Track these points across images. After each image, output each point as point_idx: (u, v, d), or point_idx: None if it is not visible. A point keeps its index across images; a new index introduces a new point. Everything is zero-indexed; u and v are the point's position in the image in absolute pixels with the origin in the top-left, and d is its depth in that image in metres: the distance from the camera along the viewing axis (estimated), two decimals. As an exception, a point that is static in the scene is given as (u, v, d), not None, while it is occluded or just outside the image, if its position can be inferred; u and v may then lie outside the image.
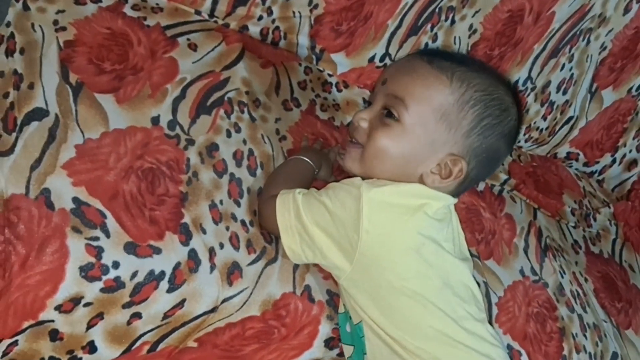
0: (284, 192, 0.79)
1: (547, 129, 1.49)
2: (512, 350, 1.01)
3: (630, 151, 1.64)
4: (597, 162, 1.63)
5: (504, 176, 1.34)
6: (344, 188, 0.75)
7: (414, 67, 0.79)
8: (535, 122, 1.47)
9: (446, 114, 0.76)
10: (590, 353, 1.12)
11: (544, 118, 1.47)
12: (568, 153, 1.58)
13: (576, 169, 1.63)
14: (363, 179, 0.77)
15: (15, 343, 0.69)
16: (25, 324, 0.68)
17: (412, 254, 0.73)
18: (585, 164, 1.62)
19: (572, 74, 1.43)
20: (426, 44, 1.26)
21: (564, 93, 1.45)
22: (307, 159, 0.90)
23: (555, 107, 1.46)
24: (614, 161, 1.63)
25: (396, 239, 0.73)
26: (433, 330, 0.73)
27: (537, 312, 1.08)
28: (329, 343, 0.86)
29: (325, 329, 0.85)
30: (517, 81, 1.37)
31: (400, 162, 0.78)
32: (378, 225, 0.71)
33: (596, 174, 1.65)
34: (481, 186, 1.27)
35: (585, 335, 1.13)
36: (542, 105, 1.44)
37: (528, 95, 1.41)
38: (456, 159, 0.77)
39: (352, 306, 0.78)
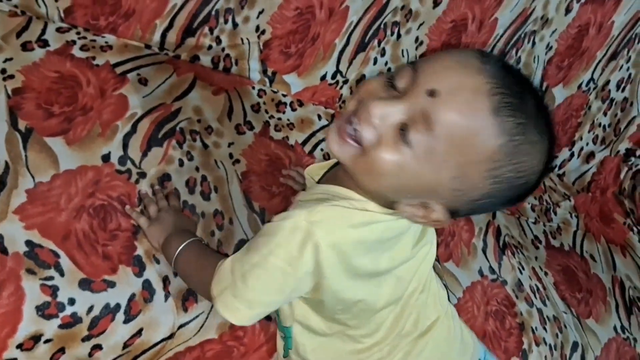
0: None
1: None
2: (473, 349, 1.05)
3: (587, 144, 1.68)
4: (556, 157, 1.68)
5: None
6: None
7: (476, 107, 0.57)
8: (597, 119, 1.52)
9: (464, 176, 0.60)
10: (550, 345, 1.16)
11: (605, 114, 1.52)
12: (527, 150, 1.63)
13: (537, 165, 1.67)
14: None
15: (-16, 384, 0.73)
16: (-10, 364, 0.72)
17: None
18: (545, 160, 1.67)
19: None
20: (375, 59, 1.30)
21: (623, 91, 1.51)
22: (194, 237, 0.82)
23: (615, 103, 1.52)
24: (572, 155, 1.68)
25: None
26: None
27: (495, 310, 1.12)
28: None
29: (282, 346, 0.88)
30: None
31: (386, 189, 0.64)
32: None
33: (556, 169, 1.70)
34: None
35: (545, 328, 1.17)
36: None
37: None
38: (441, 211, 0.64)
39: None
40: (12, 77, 0.88)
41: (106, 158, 0.88)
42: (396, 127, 0.59)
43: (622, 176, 1.75)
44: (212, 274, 0.69)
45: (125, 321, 0.77)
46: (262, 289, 0.66)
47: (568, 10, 1.45)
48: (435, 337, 0.80)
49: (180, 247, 0.78)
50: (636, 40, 1.56)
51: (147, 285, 0.80)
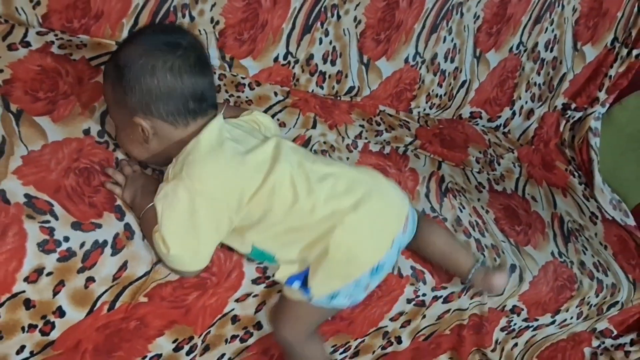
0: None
1: (445, 94, 1.71)
2: (416, 270, 1.21)
3: (526, 102, 1.86)
4: (499, 117, 1.85)
5: (408, 139, 1.55)
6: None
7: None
8: (433, 90, 1.69)
9: (116, 100, 0.97)
10: (489, 267, 1.33)
11: (440, 85, 1.69)
12: (471, 113, 1.80)
13: (482, 126, 1.85)
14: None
15: (-2, 317, 0.89)
16: (3, 298, 0.88)
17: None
18: (489, 120, 1.85)
19: (455, 44, 1.66)
20: (320, 39, 1.47)
21: (452, 61, 1.68)
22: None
23: (447, 74, 1.68)
24: (514, 113, 1.86)
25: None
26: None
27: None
28: (256, 281, 1.07)
29: (249, 271, 1.06)
30: (406, 58, 1.59)
31: (131, 148, 1.02)
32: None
33: (501, 127, 1.87)
34: (387, 149, 1.49)
35: (483, 254, 1.34)
36: (434, 74, 1.67)
37: (420, 68, 1.63)
38: (137, 122, 0.94)
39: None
40: (1, 71, 1.05)
41: (87, 132, 1.05)
42: None
43: (561, 128, 1.93)
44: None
45: (112, 254, 0.94)
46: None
47: (489, -19, 1.64)
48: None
49: (144, 210, 0.97)
50: (556, 4, 1.74)
51: (128, 227, 0.97)
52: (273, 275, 1.05)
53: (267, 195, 0.94)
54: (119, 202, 0.99)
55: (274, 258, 1.01)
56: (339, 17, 1.48)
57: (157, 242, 0.93)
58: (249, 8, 1.36)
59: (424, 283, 1.22)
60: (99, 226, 0.94)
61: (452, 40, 1.65)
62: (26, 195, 0.91)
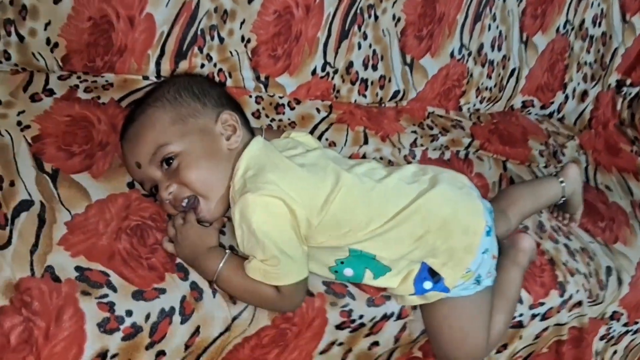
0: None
1: (495, 86, 1.58)
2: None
3: (578, 84, 1.72)
4: (552, 103, 1.71)
5: (466, 140, 1.42)
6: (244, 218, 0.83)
7: (131, 134, 0.90)
8: (482, 83, 1.55)
9: (181, 116, 0.90)
10: (584, 273, 1.20)
11: (489, 77, 1.56)
12: (523, 102, 1.67)
13: (536, 114, 1.71)
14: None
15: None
16: (66, 389, 0.76)
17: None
18: (542, 107, 1.71)
19: (500, 31, 1.53)
20: (359, 44, 1.35)
21: (499, 50, 1.55)
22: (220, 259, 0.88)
23: (495, 64, 1.55)
24: (566, 97, 1.72)
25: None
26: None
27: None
28: (341, 326, 0.94)
29: (333, 316, 0.93)
30: (452, 52, 1.46)
31: (212, 167, 0.89)
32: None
33: (555, 114, 1.74)
34: (447, 154, 1.36)
35: (575, 260, 1.21)
36: (482, 66, 1.54)
37: (467, 61, 1.50)
38: (218, 118, 0.92)
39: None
40: (28, 127, 0.94)
41: (131, 185, 0.93)
42: (167, 175, 0.88)
43: (619, 107, 1.79)
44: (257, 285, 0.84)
45: (182, 322, 0.82)
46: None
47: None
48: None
49: (216, 273, 0.85)
50: (598, -22, 1.61)
51: (195, 286, 0.85)
52: (394, 299, 0.98)
53: (345, 194, 0.88)
54: (179, 259, 0.87)
55: (375, 258, 0.91)
56: (376, 17, 1.35)
57: (259, 269, 0.83)
58: (280, 20, 1.24)
59: (520, 302, 1.09)
60: (163, 291, 0.82)
61: (497, 28, 1.52)
62: (77, 268, 0.79)
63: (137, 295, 0.80)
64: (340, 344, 0.97)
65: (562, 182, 1.24)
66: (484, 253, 0.95)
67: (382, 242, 0.90)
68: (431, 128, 1.43)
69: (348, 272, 0.92)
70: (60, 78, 1.07)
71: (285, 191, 0.82)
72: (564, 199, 1.25)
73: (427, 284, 0.93)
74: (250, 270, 0.83)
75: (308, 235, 0.86)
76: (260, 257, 0.82)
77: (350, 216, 0.88)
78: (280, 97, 1.31)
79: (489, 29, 1.50)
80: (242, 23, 1.20)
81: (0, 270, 0.75)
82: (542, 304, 1.12)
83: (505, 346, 1.16)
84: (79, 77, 1.09)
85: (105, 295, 0.78)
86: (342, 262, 0.90)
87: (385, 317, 0.98)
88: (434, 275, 0.93)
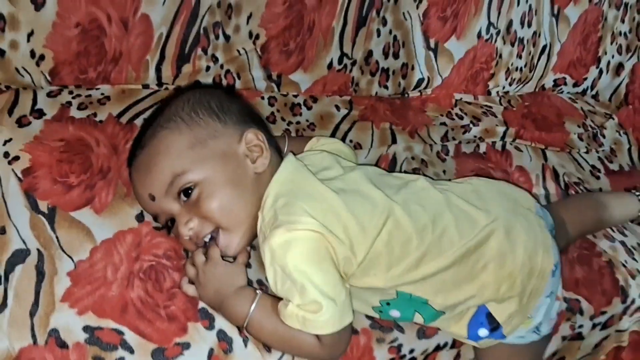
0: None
1: (525, 65, 1.45)
2: (570, 300, 0.97)
3: (613, 56, 1.59)
4: (585, 79, 1.58)
5: (501, 129, 1.30)
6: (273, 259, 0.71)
7: (142, 162, 0.77)
8: (512, 64, 1.42)
9: (199, 139, 0.77)
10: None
11: (519, 56, 1.43)
12: (555, 80, 1.54)
13: (568, 93, 1.58)
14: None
15: None
16: None
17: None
18: (575, 85, 1.58)
19: (530, 5, 1.39)
20: (378, 30, 1.22)
21: (529, 26, 1.41)
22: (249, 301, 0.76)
23: (525, 42, 1.42)
24: (600, 72, 1.59)
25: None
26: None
27: (578, 255, 1.04)
28: (390, 363, 0.83)
29: (380, 354, 0.82)
30: (479, 32, 1.33)
31: (238, 196, 0.76)
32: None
33: (589, 90, 1.61)
34: (482, 147, 1.23)
35: (634, 259, 1.09)
36: (512, 45, 1.40)
37: (495, 41, 1.37)
38: (241, 138, 0.79)
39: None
40: (17, 158, 0.82)
41: (140, 217, 0.81)
42: (186, 209, 0.76)
43: (657, 78, 1.66)
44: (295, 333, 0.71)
45: (212, 381, 0.71)
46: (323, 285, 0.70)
47: None
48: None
49: (247, 318, 0.73)
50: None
51: (223, 336, 0.73)
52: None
53: (394, 229, 0.76)
54: (202, 303, 0.75)
55: (427, 303, 0.78)
56: (395, 0, 1.22)
57: (297, 315, 0.70)
58: (291, 11, 1.11)
59: (581, 314, 0.98)
60: (187, 346, 0.71)
61: (526, 2, 1.38)
62: (86, 329, 0.68)
63: (158, 355, 0.69)
64: (389, 381, 0.86)
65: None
66: (548, 297, 0.83)
67: (435, 287, 0.77)
68: (461, 118, 1.31)
69: (395, 313, 0.80)
70: (49, 95, 0.95)
71: (324, 224, 0.70)
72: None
73: (483, 332, 0.81)
74: (286, 317, 0.71)
75: (349, 274, 0.74)
76: (298, 301, 0.70)
77: (396, 256, 0.75)
78: (295, 96, 1.19)
79: (518, 3, 1.37)
80: (249, 17, 1.07)
81: (-3, 340, 0.64)
82: (603, 312, 1.01)
83: (563, 359, 1.05)
84: (70, 92, 0.97)
85: (122, 359, 0.67)
86: (388, 304, 0.78)
87: (438, 348, 0.86)
88: (491, 321, 0.80)
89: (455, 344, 0.88)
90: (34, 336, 0.66)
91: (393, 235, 0.75)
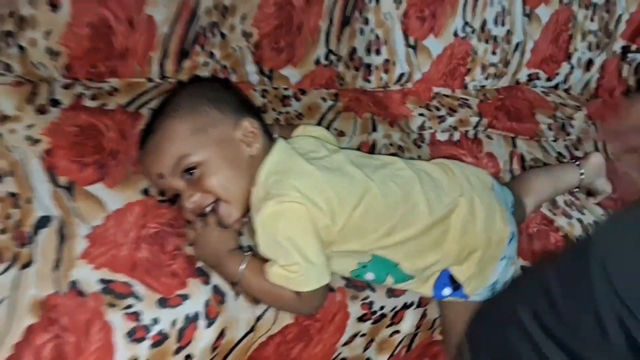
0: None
1: (500, 62, 1.57)
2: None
3: (583, 53, 1.70)
4: (558, 74, 1.70)
5: (475, 119, 1.41)
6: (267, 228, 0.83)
7: (152, 146, 0.90)
8: (487, 60, 1.54)
9: (201, 126, 0.89)
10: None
11: (494, 53, 1.54)
12: (528, 75, 1.65)
13: (542, 87, 1.70)
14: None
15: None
16: (98, 401, 0.78)
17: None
18: (548, 79, 1.69)
19: (503, 6, 1.51)
20: (361, 29, 1.34)
21: (503, 25, 1.53)
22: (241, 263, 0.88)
23: (499, 40, 1.54)
24: (572, 67, 1.70)
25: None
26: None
27: (537, 231, 1.16)
28: (362, 318, 0.95)
29: (354, 309, 0.94)
30: (455, 31, 1.45)
31: (234, 174, 0.88)
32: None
33: (561, 85, 1.72)
34: (456, 135, 1.35)
35: (588, 234, 1.21)
36: (487, 42, 1.52)
37: (471, 39, 1.48)
38: (238, 125, 0.91)
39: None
40: (38, 141, 0.94)
41: (146, 192, 0.94)
42: (191, 184, 0.88)
43: (625, 74, 1.77)
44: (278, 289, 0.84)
45: (208, 325, 0.83)
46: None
47: None
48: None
49: (238, 276, 0.85)
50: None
51: (217, 290, 0.85)
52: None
53: (370, 203, 0.88)
54: (199, 263, 0.88)
55: (398, 266, 0.90)
56: (377, 1, 1.34)
57: (281, 274, 0.83)
58: (281, 12, 1.23)
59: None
60: (187, 297, 0.83)
61: (499, 3, 1.50)
62: (101, 281, 0.80)
63: (162, 303, 0.81)
64: (363, 335, 0.98)
65: (582, 173, 1.24)
66: (503, 259, 0.95)
67: (406, 252, 0.90)
68: (438, 109, 1.42)
69: (369, 275, 0.92)
70: (64, 87, 1.06)
71: (308, 197, 0.82)
72: (577, 189, 1.28)
73: (446, 291, 0.94)
74: (271, 275, 0.83)
75: (330, 241, 0.86)
76: (282, 262, 0.82)
77: (373, 225, 0.87)
78: (285, 89, 1.30)
79: (492, 4, 1.48)
80: (242, 18, 1.19)
81: (27, 289, 0.76)
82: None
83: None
84: (83, 85, 1.08)
85: (131, 306, 0.79)
86: (364, 266, 0.91)
87: (406, 307, 0.98)
88: (454, 282, 0.93)
89: (421, 303, 1.00)
90: (57, 286, 0.78)
91: (369, 207, 0.87)
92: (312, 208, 0.82)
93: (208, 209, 0.88)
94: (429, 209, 0.90)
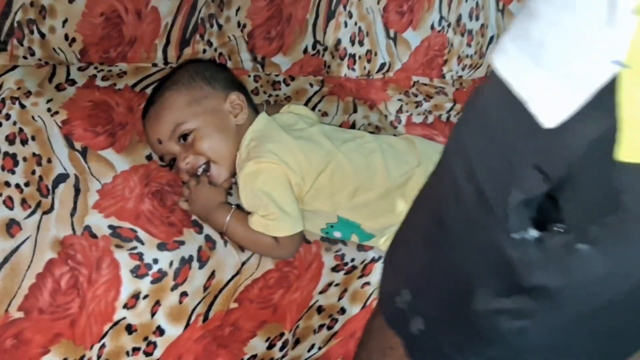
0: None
1: (475, 53, 1.71)
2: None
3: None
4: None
5: (449, 105, 1.56)
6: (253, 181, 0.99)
7: (152, 114, 1.07)
8: (463, 52, 1.68)
9: (195, 98, 1.06)
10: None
11: (469, 45, 1.68)
12: (503, 67, 1.78)
13: (516, 78, 1.83)
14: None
15: (103, 345, 0.94)
16: (106, 327, 0.93)
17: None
18: (522, 71, 1.83)
19: (477, 2, 1.65)
20: (345, 22, 1.48)
21: (477, 19, 1.67)
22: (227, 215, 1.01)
23: (474, 33, 1.68)
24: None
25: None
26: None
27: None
28: (336, 268, 1.10)
29: (328, 260, 1.08)
30: (432, 24, 1.59)
31: (223, 139, 1.04)
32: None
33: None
34: (430, 118, 1.49)
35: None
36: (462, 35, 1.66)
37: (447, 32, 1.63)
38: (226, 98, 1.07)
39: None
40: (57, 112, 1.09)
41: (149, 157, 1.09)
42: (184, 148, 1.05)
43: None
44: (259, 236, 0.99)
45: (200, 267, 0.97)
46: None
47: None
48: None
49: (225, 225, 1.00)
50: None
51: (209, 238, 1.00)
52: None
53: (334, 168, 1.02)
54: (195, 217, 1.02)
55: (360, 227, 1.04)
56: (359, -4, 1.48)
57: (261, 222, 0.97)
58: (272, 5, 1.37)
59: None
60: (182, 243, 0.98)
61: (473, -1, 1.64)
62: (110, 227, 0.95)
63: (161, 247, 0.96)
64: (337, 284, 1.12)
65: None
66: None
67: (365, 214, 1.04)
68: (416, 95, 1.57)
69: (337, 234, 1.07)
70: (79, 69, 1.21)
71: (282, 159, 0.98)
72: None
73: None
74: (253, 223, 0.98)
75: (301, 197, 1.01)
76: (262, 213, 0.97)
77: (337, 188, 1.02)
78: (276, 75, 1.44)
79: (466, 0, 1.63)
80: (237, 10, 1.34)
81: (48, 230, 0.91)
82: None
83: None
84: (96, 68, 1.23)
85: (135, 248, 0.94)
86: (332, 226, 1.05)
87: (374, 260, 1.13)
88: None
89: (388, 256, 1.14)
90: (73, 229, 0.93)
91: (334, 172, 1.02)
92: (285, 168, 0.97)
93: (200, 170, 1.03)
94: (387, 174, 1.05)
